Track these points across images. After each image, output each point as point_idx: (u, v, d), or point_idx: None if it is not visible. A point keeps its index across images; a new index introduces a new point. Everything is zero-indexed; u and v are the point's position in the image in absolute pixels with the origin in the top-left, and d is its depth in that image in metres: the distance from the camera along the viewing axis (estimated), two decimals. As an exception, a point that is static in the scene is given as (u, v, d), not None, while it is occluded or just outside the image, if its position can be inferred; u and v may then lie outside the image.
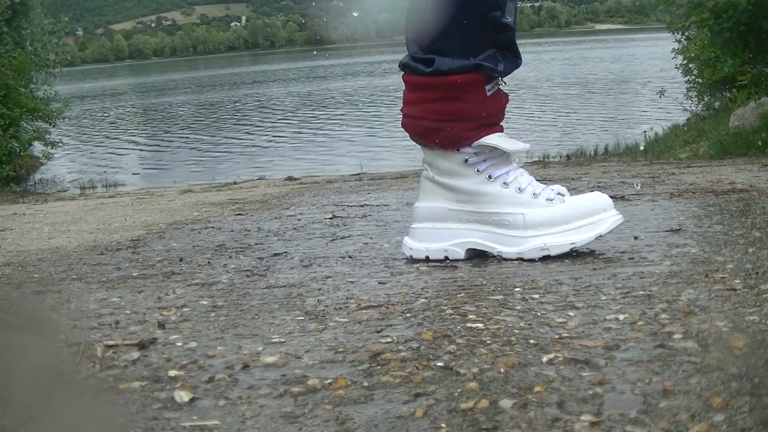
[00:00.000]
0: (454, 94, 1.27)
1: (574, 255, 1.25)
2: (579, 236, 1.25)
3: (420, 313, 0.97)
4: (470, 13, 1.26)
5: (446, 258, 1.32)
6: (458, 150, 1.30)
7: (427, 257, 1.33)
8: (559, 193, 1.29)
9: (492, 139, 1.29)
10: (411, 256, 1.34)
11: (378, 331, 0.90)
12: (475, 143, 1.29)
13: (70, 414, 0.72)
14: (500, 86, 1.32)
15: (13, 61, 9.34)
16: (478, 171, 1.30)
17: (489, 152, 1.30)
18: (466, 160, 1.30)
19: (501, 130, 1.32)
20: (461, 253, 1.31)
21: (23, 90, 9.87)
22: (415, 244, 1.34)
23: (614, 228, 1.27)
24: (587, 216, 1.26)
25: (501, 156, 1.31)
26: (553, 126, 11.57)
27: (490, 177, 1.30)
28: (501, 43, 1.29)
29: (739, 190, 1.93)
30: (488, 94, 1.28)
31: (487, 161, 1.30)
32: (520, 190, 1.29)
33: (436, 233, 1.33)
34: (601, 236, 1.26)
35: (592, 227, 1.25)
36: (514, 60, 1.31)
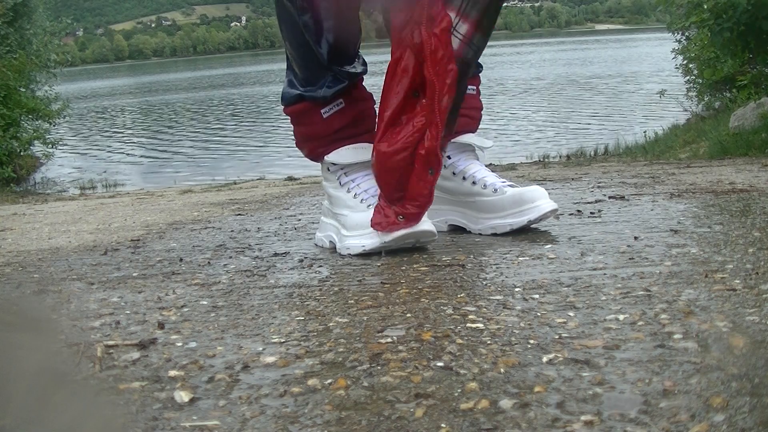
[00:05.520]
0: (294, 121, 1.49)
1: (574, 255, 1.25)
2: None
3: (420, 313, 0.97)
4: (300, 46, 1.40)
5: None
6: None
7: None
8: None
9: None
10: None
11: (378, 331, 0.90)
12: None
13: (70, 414, 0.72)
14: (342, 106, 1.44)
15: (14, 61, 9.32)
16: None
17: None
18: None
19: (367, 140, 1.44)
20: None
21: (23, 90, 9.85)
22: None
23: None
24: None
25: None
26: (553, 126, 11.56)
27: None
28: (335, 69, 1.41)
29: (739, 190, 1.93)
30: (325, 116, 1.44)
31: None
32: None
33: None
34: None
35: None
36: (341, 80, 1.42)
